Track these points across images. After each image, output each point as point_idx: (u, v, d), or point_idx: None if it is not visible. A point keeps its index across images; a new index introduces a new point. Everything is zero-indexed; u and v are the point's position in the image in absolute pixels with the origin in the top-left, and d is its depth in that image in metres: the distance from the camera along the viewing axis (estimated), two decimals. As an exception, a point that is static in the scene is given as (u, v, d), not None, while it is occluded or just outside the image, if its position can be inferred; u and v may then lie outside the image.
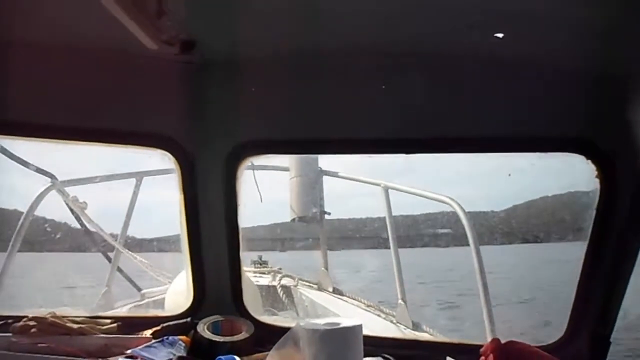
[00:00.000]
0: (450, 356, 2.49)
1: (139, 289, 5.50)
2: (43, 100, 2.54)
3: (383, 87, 2.47)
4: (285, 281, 6.04)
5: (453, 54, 2.36)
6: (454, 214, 4.02)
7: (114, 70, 2.54)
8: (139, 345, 2.41)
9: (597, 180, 2.36)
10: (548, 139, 2.45)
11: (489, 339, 2.32)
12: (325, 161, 6.20)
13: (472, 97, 2.46)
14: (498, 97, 2.44)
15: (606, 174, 2.34)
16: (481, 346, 2.31)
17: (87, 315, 2.74)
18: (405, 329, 4.63)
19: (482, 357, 2.25)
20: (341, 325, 2.22)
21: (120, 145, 2.74)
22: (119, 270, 5.29)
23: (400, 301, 4.81)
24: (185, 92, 2.63)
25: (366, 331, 2.28)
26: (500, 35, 2.12)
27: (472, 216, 4.03)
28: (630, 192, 2.29)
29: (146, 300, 5.16)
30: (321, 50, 2.44)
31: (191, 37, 2.28)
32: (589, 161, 2.36)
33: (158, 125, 2.65)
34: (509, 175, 2.81)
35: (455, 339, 2.80)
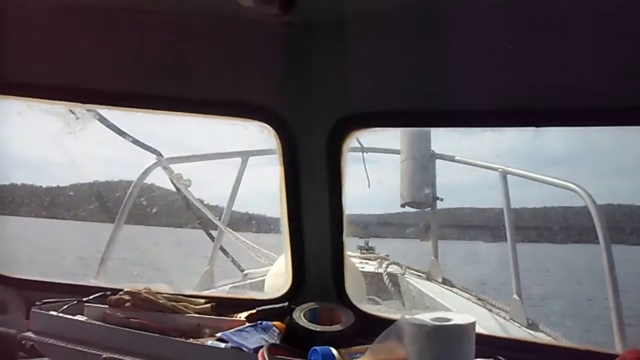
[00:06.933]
0: None
1: (242, 270, 5.49)
2: (136, 70, 2.45)
3: (510, 48, 2.12)
4: (392, 269, 5.73)
5: (594, 10, 1.95)
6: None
7: (208, 35, 2.39)
8: (232, 329, 2.29)
9: None
10: None
11: (619, 348, 1.98)
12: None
13: (615, 62, 2.02)
14: None
15: None
16: (615, 356, 2.02)
17: (182, 293, 2.66)
18: (519, 327, 4.25)
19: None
20: (452, 322, 1.96)
21: (214, 117, 2.58)
22: (222, 249, 5.31)
23: (515, 296, 4.45)
24: (286, 58, 2.41)
25: (477, 328, 2.01)
26: None
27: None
28: None
29: (246, 281, 5.12)
30: (441, 6, 2.13)
31: None
32: None
33: (256, 95, 2.46)
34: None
35: (581, 345, 2.42)
